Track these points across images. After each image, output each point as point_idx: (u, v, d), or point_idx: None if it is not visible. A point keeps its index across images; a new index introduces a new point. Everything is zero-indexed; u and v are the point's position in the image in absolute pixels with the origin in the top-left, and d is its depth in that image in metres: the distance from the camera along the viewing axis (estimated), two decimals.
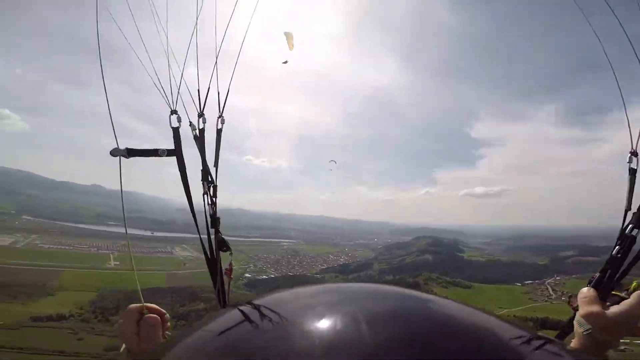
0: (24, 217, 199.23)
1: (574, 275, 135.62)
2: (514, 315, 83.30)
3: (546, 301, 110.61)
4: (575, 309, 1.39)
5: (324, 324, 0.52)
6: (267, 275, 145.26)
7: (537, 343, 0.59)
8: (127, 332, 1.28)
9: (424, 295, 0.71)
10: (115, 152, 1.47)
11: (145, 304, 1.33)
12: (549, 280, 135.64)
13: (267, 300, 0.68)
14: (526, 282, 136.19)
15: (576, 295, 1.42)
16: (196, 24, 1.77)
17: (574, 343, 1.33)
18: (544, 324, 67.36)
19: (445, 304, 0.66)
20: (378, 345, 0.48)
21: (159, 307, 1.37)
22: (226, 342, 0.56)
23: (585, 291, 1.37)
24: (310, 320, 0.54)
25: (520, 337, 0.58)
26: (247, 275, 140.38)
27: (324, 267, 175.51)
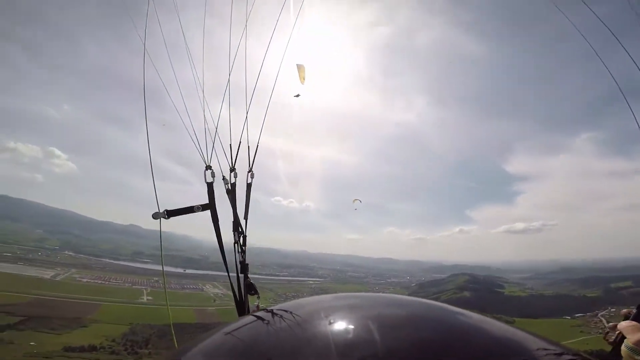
0: (66, 252, 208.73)
1: (631, 307, 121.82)
2: None
3: (600, 333, 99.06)
4: (614, 343, 1.41)
5: (339, 328, 0.53)
6: None
7: (554, 350, 0.60)
8: None
9: (444, 305, 0.70)
10: (156, 216, 1.61)
11: None
12: (602, 313, 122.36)
13: (284, 306, 0.68)
14: (576, 315, 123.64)
15: (612, 330, 1.45)
16: (227, 86, 1.97)
17: None
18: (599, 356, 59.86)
19: (463, 312, 0.63)
20: (393, 350, 0.51)
21: None
22: (244, 345, 0.55)
23: (627, 322, 1.38)
24: (324, 325, 0.54)
25: (543, 348, 0.60)
26: None
27: None
